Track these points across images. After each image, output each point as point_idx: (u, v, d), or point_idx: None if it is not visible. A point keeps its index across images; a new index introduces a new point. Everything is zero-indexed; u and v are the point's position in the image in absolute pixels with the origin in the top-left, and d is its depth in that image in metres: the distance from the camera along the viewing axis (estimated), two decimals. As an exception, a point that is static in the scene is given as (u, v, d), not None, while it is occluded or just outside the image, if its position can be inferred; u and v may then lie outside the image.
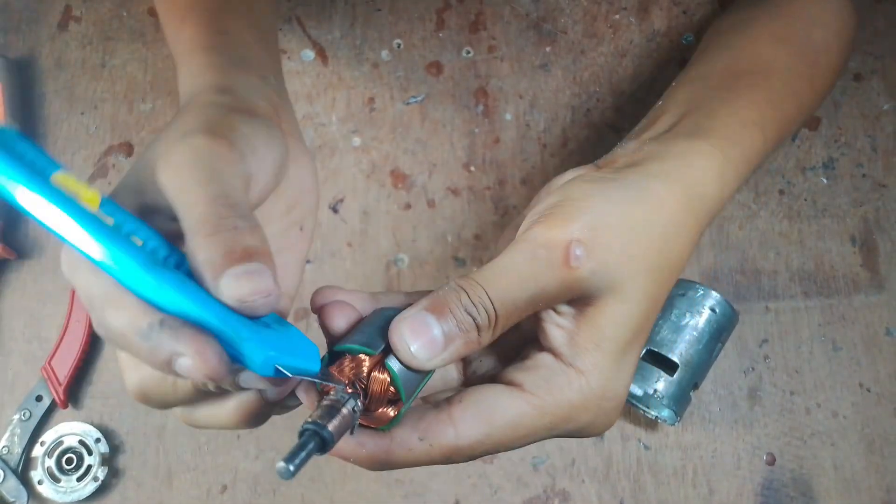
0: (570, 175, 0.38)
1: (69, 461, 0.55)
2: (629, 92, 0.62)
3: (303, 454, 0.26)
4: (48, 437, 0.55)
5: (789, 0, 0.49)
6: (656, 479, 0.55)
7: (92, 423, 0.56)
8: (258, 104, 0.37)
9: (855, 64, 0.62)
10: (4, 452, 0.55)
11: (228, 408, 0.31)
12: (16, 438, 0.55)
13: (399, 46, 0.63)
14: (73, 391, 0.57)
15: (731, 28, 0.50)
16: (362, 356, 0.30)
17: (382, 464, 0.31)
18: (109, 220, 0.26)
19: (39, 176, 0.24)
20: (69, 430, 0.55)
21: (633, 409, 0.55)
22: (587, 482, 0.55)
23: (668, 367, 0.51)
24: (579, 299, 0.33)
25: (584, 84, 0.63)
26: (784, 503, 0.55)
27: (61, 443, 0.55)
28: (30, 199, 0.24)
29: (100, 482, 0.54)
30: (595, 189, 0.35)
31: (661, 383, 0.51)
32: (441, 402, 0.33)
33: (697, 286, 0.53)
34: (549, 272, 0.32)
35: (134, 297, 0.25)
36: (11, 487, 0.54)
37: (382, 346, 0.31)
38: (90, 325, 0.56)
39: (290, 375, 0.26)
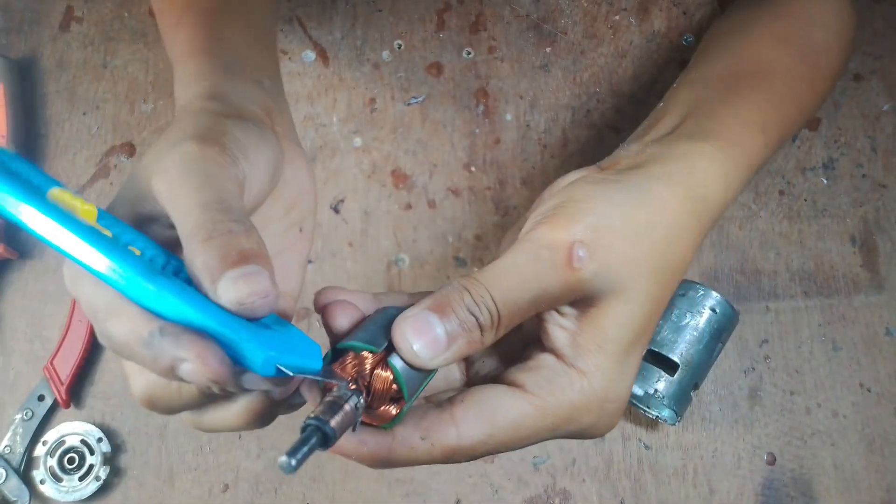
0: (572, 176, 0.38)
1: (71, 461, 0.55)
2: (629, 93, 0.62)
3: (305, 449, 0.26)
4: (50, 436, 0.55)
5: (789, 1, 0.49)
6: (657, 479, 0.55)
7: (94, 423, 0.56)
8: (250, 109, 0.37)
9: (855, 64, 0.62)
10: (6, 452, 0.55)
11: (235, 410, 0.31)
12: (18, 438, 0.55)
13: (400, 47, 0.63)
14: (75, 391, 0.57)
15: (731, 29, 0.50)
16: (365, 354, 0.30)
17: (384, 462, 0.31)
18: (107, 233, 0.26)
19: (37, 193, 0.25)
20: (71, 429, 0.55)
21: (633, 408, 0.55)
22: (588, 482, 0.55)
23: (669, 367, 0.52)
24: (582, 300, 0.33)
25: (584, 85, 0.63)
26: (784, 503, 0.55)
27: (63, 442, 0.55)
28: (30, 216, 0.24)
29: (102, 482, 0.54)
30: (598, 191, 0.35)
31: (662, 383, 0.51)
32: (443, 401, 0.33)
33: (698, 286, 0.53)
34: (552, 273, 0.32)
35: (135, 306, 0.26)
36: (13, 487, 0.54)
37: (385, 345, 0.31)
38: (92, 326, 0.56)
39: (291, 374, 0.27)
